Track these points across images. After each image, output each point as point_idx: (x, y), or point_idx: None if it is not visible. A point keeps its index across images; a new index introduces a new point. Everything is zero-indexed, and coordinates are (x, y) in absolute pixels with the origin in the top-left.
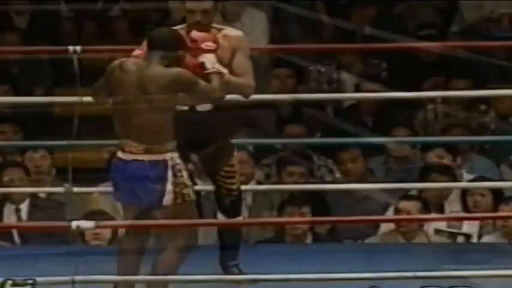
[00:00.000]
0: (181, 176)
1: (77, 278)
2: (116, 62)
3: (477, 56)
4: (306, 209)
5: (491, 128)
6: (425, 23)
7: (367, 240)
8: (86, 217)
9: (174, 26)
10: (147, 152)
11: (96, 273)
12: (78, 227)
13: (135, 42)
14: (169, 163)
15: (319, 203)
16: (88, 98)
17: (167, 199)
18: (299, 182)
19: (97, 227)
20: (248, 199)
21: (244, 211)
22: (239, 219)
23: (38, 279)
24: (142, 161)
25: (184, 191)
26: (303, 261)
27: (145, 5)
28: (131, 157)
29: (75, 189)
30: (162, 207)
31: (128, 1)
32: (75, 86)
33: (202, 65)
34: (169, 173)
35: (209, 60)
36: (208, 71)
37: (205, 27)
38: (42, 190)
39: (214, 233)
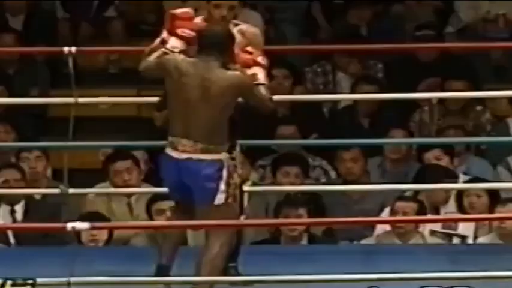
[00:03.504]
0: (233, 178)
1: (73, 279)
2: (171, 61)
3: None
4: (302, 210)
5: (487, 129)
6: (423, 24)
7: (362, 241)
8: (82, 218)
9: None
10: (203, 151)
11: (92, 275)
12: (73, 228)
13: (131, 43)
14: (225, 163)
15: (315, 204)
16: (83, 99)
17: (219, 198)
18: (295, 182)
19: (92, 228)
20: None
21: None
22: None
23: (39, 280)
24: (198, 160)
25: (236, 192)
26: (298, 262)
27: (141, 6)
28: (184, 156)
29: (71, 190)
30: (214, 205)
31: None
32: (71, 87)
33: (254, 76)
34: (225, 173)
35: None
36: (258, 82)
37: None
38: (38, 191)
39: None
